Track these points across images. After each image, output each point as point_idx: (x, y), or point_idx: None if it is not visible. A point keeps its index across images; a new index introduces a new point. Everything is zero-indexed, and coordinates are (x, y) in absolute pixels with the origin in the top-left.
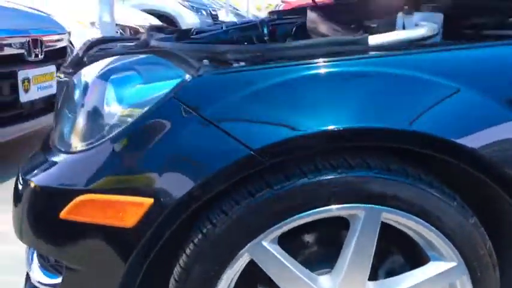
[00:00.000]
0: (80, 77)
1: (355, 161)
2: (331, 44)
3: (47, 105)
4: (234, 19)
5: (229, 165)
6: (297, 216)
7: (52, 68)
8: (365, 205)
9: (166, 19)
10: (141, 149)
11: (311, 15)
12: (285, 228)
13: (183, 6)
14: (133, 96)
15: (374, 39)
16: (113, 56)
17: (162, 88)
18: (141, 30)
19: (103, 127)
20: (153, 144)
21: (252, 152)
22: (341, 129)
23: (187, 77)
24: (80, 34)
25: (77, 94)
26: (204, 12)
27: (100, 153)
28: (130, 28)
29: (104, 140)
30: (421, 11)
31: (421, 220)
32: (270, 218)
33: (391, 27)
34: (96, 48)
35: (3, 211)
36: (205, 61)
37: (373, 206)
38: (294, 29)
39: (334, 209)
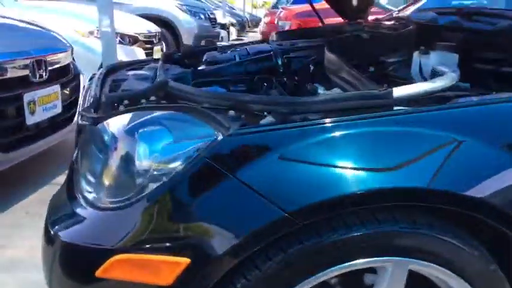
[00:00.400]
0: (106, 127)
1: (382, 216)
2: (358, 98)
3: (52, 125)
4: (232, 20)
5: (264, 227)
6: (327, 270)
7: (56, 87)
8: (392, 258)
9: (165, 23)
10: (176, 209)
11: (329, 56)
12: (315, 283)
13: (181, 10)
14: (165, 154)
15: (398, 92)
16: (139, 110)
17: (194, 147)
18: (140, 38)
19: (134, 184)
20: (187, 205)
21: (286, 214)
22: (372, 190)
23: (218, 136)
24: (79, 44)
25: (103, 145)
26: (202, 16)
27: (134, 212)
28: (130, 36)
29: (136, 198)
30: (436, 50)
31: (445, 269)
32: (302, 273)
33: (407, 66)
34: (110, 81)
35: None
36: (231, 112)
37: (400, 258)
38: (311, 67)
39: (363, 263)
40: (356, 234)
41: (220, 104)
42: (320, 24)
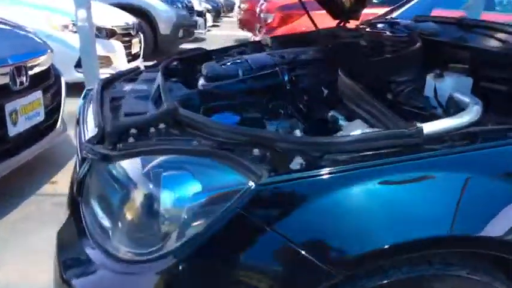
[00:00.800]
0: (121, 167)
1: (417, 260)
2: (389, 137)
3: (36, 134)
4: (208, 6)
5: (305, 280)
6: None
7: (38, 93)
8: None
9: (141, 13)
10: (207, 264)
11: (345, 81)
12: None
13: None
14: (193, 203)
15: (427, 129)
16: (153, 147)
17: (224, 196)
18: (118, 30)
19: (159, 235)
20: (220, 262)
21: (326, 267)
22: (410, 240)
23: (250, 184)
24: (53, 39)
25: (120, 188)
26: (179, 5)
27: (160, 267)
28: (107, 29)
29: (160, 253)
30: (449, 72)
31: None
32: None
33: (419, 89)
34: (108, 100)
35: None
36: (256, 151)
37: None
38: (325, 91)
39: None
40: (392, 279)
41: (243, 140)
42: (307, 15)
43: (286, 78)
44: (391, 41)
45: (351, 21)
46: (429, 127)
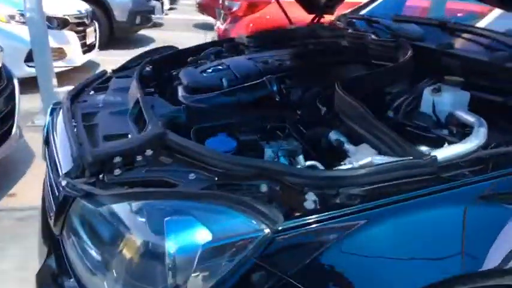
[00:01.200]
0: (112, 210)
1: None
2: (403, 168)
3: None
4: None
5: None
6: None
7: None
8: None
9: (95, 0)
10: None
11: (344, 98)
12: None
13: None
14: (203, 254)
15: (440, 155)
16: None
17: (236, 245)
18: (70, 20)
19: None
20: None
21: None
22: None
23: (265, 231)
24: (1, 33)
25: (111, 234)
26: None
27: None
28: (58, 19)
29: None
30: (446, 86)
31: None
32: None
33: (414, 103)
34: (80, 117)
35: None
36: (263, 186)
37: None
38: (322, 109)
39: None
40: None
41: (247, 173)
42: (272, 4)
43: (275, 88)
44: (379, 46)
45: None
46: (440, 154)
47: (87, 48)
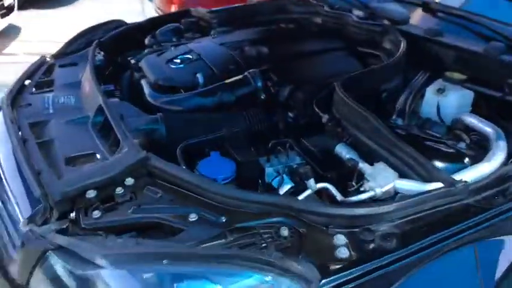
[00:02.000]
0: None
1: None
2: (434, 198)
3: None
4: None
5: None
6: None
7: None
8: None
9: None
10: None
11: (349, 104)
12: None
13: None
14: None
15: (468, 177)
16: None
17: None
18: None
19: None
20: None
21: None
22: None
23: None
24: None
25: None
26: None
27: None
28: None
29: None
30: (449, 84)
31: None
32: None
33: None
34: (27, 128)
35: None
36: (284, 230)
37: None
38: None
39: None
40: None
41: (259, 211)
42: None
43: (259, 84)
44: (364, 30)
45: None
46: (468, 177)
47: (6, 10)
